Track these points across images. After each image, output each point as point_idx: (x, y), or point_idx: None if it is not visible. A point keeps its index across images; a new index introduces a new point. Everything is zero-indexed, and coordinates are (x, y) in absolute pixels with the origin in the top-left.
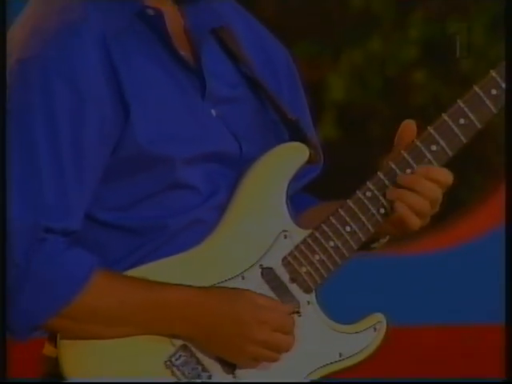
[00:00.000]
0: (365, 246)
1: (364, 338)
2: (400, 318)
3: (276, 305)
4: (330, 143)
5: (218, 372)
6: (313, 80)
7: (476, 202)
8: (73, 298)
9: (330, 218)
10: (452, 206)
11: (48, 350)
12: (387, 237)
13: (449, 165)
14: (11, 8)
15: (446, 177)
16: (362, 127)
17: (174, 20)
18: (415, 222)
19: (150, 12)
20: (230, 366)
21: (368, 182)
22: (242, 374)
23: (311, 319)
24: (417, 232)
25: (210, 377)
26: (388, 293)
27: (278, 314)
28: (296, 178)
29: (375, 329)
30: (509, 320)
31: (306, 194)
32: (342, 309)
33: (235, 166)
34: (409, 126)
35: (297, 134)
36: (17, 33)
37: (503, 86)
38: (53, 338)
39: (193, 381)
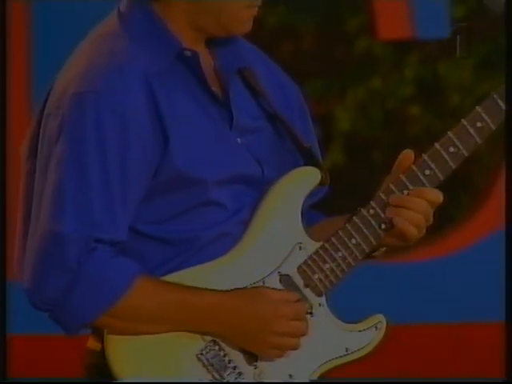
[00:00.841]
0: (367, 255)
1: (367, 335)
2: (401, 317)
3: (288, 296)
4: (338, 168)
5: (242, 363)
6: (323, 113)
7: (464, 217)
8: (117, 299)
9: (339, 231)
10: (443, 220)
11: (92, 344)
12: (383, 248)
13: (440, 186)
14: (37, 15)
15: (437, 196)
16: (365, 154)
17: (206, 60)
18: (413, 233)
19: (188, 54)
20: (252, 357)
21: (371, 202)
22: (263, 364)
23: (322, 319)
24: (413, 243)
25: (235, 367)
26: (391, 295)
27: (291, 304)
28: (309, 197)
29: (376, 327)
30: (509, 321)
31: (312, 210)
32: (349, 309)
33: (258, 187)
34: (408, 155)
35: (310, 160)
36: (72, 70)
37: (487, 119)
38: (98, 334)
39: (218, 373)
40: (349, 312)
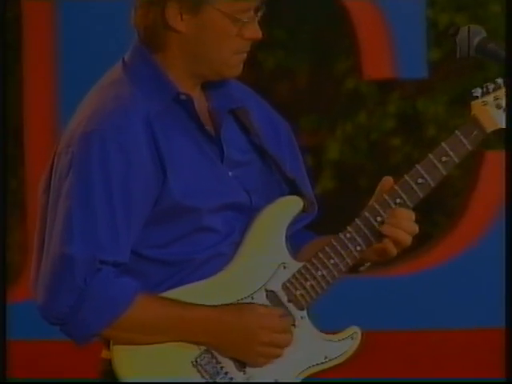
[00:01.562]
0: (354, 270)
1: (344, 344)
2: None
3: (273, 311)
4: (329, 192)
5: (232, 369)
6: (315, 144)
7: (440, 235)
8: (119, 314)
9: (319, 253)
10: (422, 239)
11: (105, 353)
12: (369, 263)
13: (418, 208)
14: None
15: (412, 215)
16: (352, 180)
17: (200, 102)
18: (394, 252)
19: (183, 97)
20: (241, 364)
21: (348, 227)
22: (251, 370)
23: (304, 330)
24: (392, 259)
25: (226, 373)
26: (374, 305)
27: (276, 318)
28: (294, 222)
29: (352, 337)
30: (509, 323)
31: (307, 231)
32: (337, 318)
33: (247, 213)
34: (388, 180)
35: (294, 190)
36: (82, 113)
37: (451, 154)
38: (107, 345)
39: (211, 379)
40: (337, 320)
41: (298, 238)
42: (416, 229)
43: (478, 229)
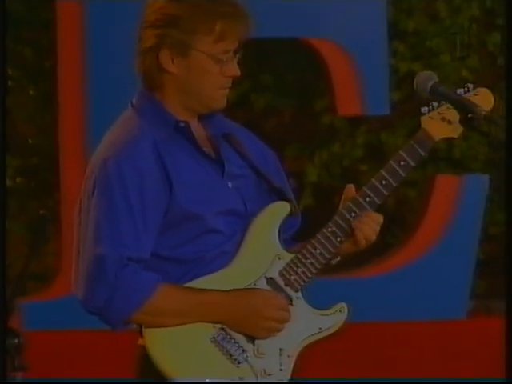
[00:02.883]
0: (327, 263)
1: (334, 317)
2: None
3: (274, 293)
4: (309, 209)
5: (244, 342)
6: (297, 169)
7: (400, 245)
8: (145, 301)
9: (307, 245)
10: (384, 248)
11: (140, 341)
12: (339, 257)
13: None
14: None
15: (380, 218)
16: (328, 199)
17: (199, 130)
18: (364, 245)
19: (182, 124)
20: (251, 338)
21: (329, 223)
22: (259, 342)
23: (300, 308)
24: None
25: (239, 346)
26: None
27: (277, 298)
28: (284, 229)
29: (340, 311)
30: (509, 322)
31: (292, 241)
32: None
33: (244, 218)
34: (350, 188)
35: (281, 197)
36: (102, 146)
37: (407, 159)
38: (141, 333)
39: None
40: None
41: (286, 245)
42: (377, 229)
43: (430, 240)
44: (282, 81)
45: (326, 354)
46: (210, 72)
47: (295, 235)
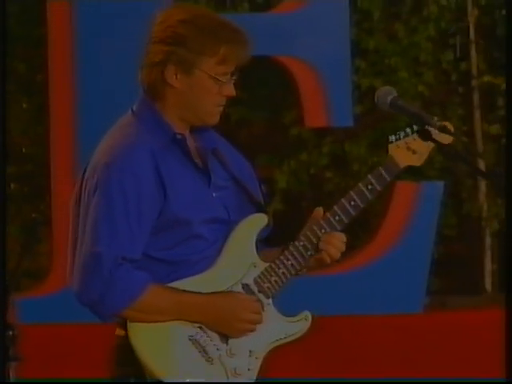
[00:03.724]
0: (296, 273)
1: (299, 324)
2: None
3: (249, 297)
4: (278, 213)
5: (218, 341)
6: (267, 176)
7: (364, 244)
8: (135, 298)
9: (280, 256)
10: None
11: (119, 331)
12: (305, 270)
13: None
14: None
15: (343, 238)
16: (296, 204)
17: (190, 141)
18: (328, 263)
19: (179, 136)
20: (225, 338)
21: (301, 236)
22: (232, 342)
23: (270, 314)
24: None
25: (214, 345)
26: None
27: (251, 302)
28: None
29: (306, 319)
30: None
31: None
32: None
33: (226, 225)
34: (319, 211)
35: (259, 208)
36: (103, 148)
37: (375, 183)
38: (122, 325)
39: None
40: (294, 307)
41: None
42: (343, 247)
43: (390, 241)
44: (255, 95)
45: (292, 345)
46: (209, 91)
47: (266, 239)
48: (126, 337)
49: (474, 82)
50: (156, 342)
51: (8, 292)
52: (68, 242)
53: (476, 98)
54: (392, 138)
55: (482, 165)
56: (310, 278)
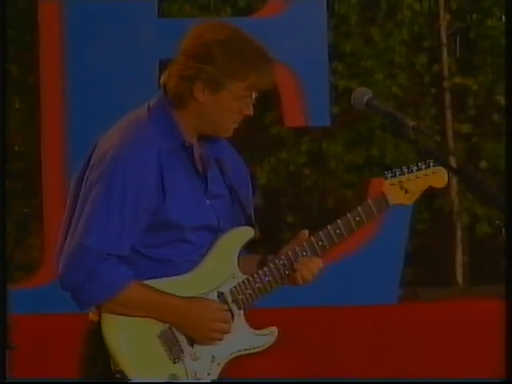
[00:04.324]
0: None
1: (265, 338)
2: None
3: (221, 306)
4: (259, 207)
5: (184, 344)
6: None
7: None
8: (116, 292)
9: (259, 271)
10: None
11: (93, 316)
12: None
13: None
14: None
15: (320, 264)
16: (275, 199)
17: (196, 146)
18: (300, 284)
19: (187, 144)
20: (191, 341)
21: (281, 255)
22: (197, 346)
23: (239, 324)
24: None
25: (180, 346)
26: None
27: (222, 312)
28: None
29: (272, 334)
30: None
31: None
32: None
33: (215, 233)
34: (304, 233)
35: (248, 221)
36: (113, 138)
37: (363, 216)
38: (98, 310)
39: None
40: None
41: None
42: (316, 272)
43: (365, 235)
44: None
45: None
46: (232, 109)
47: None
48: (99, 323)
49: (446, 84)
50: (125, 334)
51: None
52: (60, 230)
53: (447, 98)
54: (388, 174)
55: (453, 162)
56: None
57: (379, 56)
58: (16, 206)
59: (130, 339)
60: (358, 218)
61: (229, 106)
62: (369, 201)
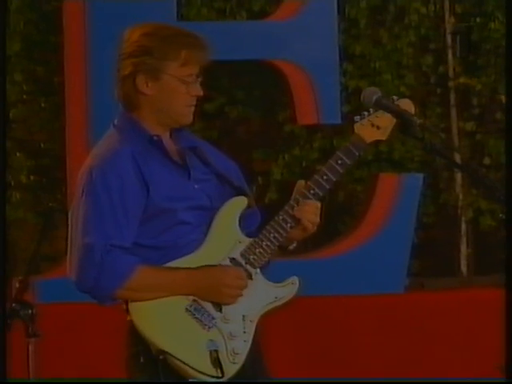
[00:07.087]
0: (285, 248)
1: (287, 288)
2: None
3: (233, 266)
4: (274, 202)
5: (212, 310)
6: (264, 169)
7: (348, 231)
8: (126, 279)
9: (262, 230)
10: (335, 233)
11: (128, 317)
12: (295, 242)
13: (332, 215)
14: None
15: (317, 204)
16: (290, 194)
17: (170, 143)
18: (311, 228)
19: (155, 138)
20: (218, 306)
21: (280, 212)
22: (225, 309)
23: (258, 281)
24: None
25: (209, 314)
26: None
27: (234, 269)
28: (248, 224)
29: (293, 283)
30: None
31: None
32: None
33: (209, 212)
34: (301, 182)
35: (240, 192)
36: (90, 157)
37: (344, 158)
38: (126, 307)
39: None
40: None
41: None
42: (318, 212)
43: (374, 227)
44: (252, 95)
45: (285, 320)
46: (178, 91)
47: (259, 228)
48: (131, 320)
49: (451, 84)
50: (156, 319)
51: (27, 274)
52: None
53: (452, 97)
54: (357, 118)
55: (457, 158)
56: (302, 262)
57: (387, 57)
58: (42, 200)
59: (161, 320)
60: (340, 161)
61: (174, 89)
62: (347, 143)
